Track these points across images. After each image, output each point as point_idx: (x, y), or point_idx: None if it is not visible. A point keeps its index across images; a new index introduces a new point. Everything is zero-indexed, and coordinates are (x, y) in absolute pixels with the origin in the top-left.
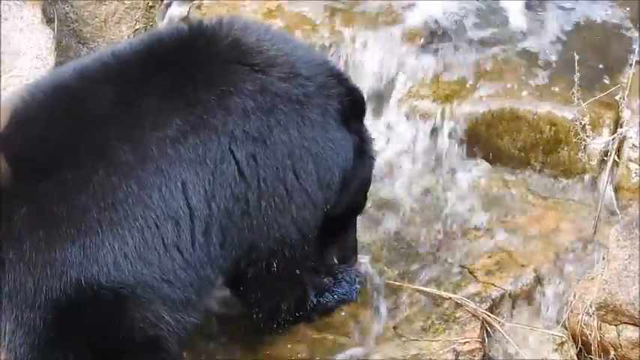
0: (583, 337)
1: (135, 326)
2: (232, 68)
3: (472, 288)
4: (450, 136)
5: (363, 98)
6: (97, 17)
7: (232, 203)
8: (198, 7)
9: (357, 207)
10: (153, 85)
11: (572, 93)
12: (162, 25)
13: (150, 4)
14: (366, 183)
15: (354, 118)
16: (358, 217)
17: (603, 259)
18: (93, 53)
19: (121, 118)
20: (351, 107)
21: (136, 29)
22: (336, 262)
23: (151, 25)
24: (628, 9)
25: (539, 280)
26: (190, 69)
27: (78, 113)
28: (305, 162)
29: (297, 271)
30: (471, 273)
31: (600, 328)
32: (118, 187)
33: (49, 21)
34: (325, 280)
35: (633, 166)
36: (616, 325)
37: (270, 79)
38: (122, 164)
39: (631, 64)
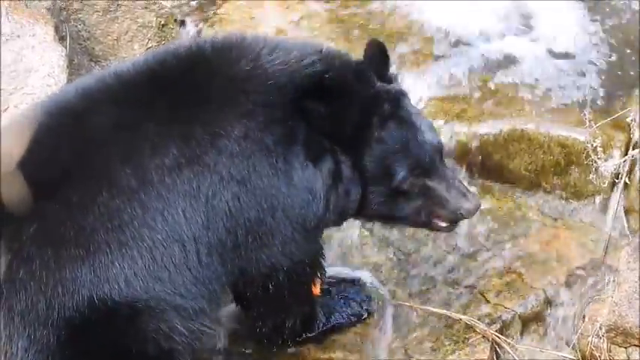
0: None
1: (148, 338)
2: (226, 111)
3: (482, 309)
4: (460, 156)
5: (338, 114)
6: (109, 35)
7: (225, 236)
8: (211, 25)
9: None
10: (152, 110)
11: (584, 115)
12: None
13: (162, 22)
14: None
15: (335, 141)
16: (369, 237)
17: (613, 281)
18: (97, 72)
19: (122, 142)
20: (334, 130)
21: (149, 47)
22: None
23: (164, 44)
24: None
25: (549, 302)
26: (189, 100)
27: (81, 135)
28: (276, 208)
29: (299, 291)
30: (481, 294)
31: (610, 350)
32: (122, 209)
33: (61, 39)
34: (335, 300)
35: None
36: (626, 348)
37: (252, 126)
38: (125, 187)
39: None
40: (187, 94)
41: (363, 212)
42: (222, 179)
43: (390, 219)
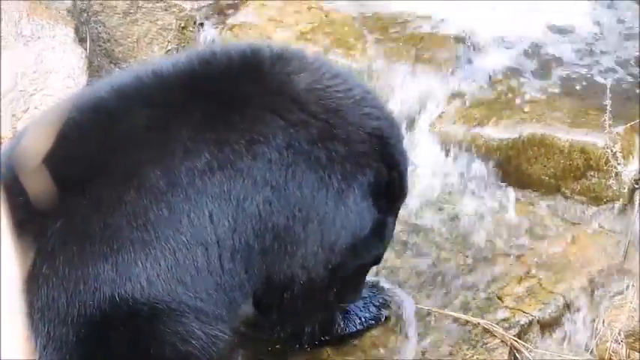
0: None
1: (167, 340)
2: (268, 119)
3: (500, 314)
4: (480, 161)
5: (401, 179)
6: (129, 37)
7: (253, 239)
8: (231, 29)
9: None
10: (187, 114)
11: (604, 120)
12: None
13: (182, 25)
14: (376, 259)
15: (385, 196)
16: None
17: (632, 286)
18: (132, 68)
19: (154, 143)
20: (385, 184)
21: (168, 50)
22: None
23: (183, 46)
24: None
25: (567, 307)
26: (227, 106)
27: (113, 134)
28: (311, 220)
29: (317, 302)
30: (499, 299)
31: (629, 355)
32: (149, 209)
33: (81, 40)
34: (353, 303)
35: None
36: None
37: (300, 138)
38: (153, 188)
39: None
40: (226, 101)
41: None
42: (256, 183)
43: None
